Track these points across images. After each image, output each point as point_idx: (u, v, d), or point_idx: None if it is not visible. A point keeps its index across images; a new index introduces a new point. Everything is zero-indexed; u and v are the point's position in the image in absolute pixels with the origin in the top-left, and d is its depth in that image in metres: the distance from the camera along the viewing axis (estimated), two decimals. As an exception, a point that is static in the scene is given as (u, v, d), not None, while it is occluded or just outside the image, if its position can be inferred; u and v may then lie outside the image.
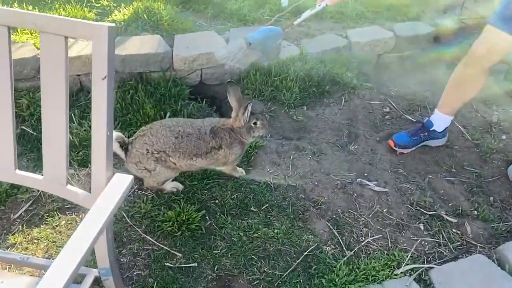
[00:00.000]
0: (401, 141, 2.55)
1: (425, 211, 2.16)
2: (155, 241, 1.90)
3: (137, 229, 1.95)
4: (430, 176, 2.40)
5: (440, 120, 2.53)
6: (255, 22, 3.38)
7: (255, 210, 2.09)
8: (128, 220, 1.98)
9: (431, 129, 2.55)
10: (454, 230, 2.08)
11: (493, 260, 1.88)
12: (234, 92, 2.04)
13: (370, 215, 2.11)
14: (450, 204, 2.24)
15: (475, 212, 2.20)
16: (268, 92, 2.85)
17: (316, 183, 2.27)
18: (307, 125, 2.74)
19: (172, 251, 1.86)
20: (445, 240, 2.02)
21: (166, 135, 1.97)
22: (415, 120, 2.88)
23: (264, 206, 2.10)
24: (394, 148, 2.54)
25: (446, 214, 2.15)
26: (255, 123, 2.11)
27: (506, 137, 2.80)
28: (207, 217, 2.03)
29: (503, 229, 2.12)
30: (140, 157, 1.97)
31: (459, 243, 2.03)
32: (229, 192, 2.16)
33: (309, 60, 3.05)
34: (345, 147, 2.58)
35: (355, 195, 2.21)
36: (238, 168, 2.26)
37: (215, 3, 3.53)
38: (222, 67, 2.88)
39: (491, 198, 2.31)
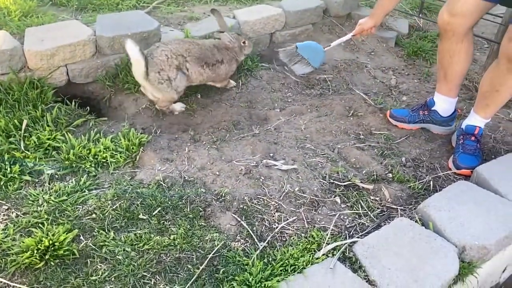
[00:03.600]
0: (397, 112, 2.42)
1: (339, 183, 1.95)
2: (8, 282, 1.42)
3: (-20, 271, 1.45)
4: (339, 146, 2.22)
5: (441, 101, 2.32)
6: (129, 10, 2.98)
7: (144, 217, 1.69)
8: (-33, 262, 1.46)
9: (432, 109, 2.34)
10: (372, 198, 1.90)
11: (416, 221, 1.72)
12: (218, 19, 2.48)
13: (281, 197, 1.84)
14: (364, 172, 2.06)
15: (390, 175, 2.05)
16: (153, 83, 2.47)
17: (217, 173, 1.95)
18: (203, 113, 2.42)
19: (32, 290, 1.40)
20: (365, 210, 1.82)
21: (179, 43, 2.27)
22: (317, 94, 2.71)
23: (156, 211, 1.72)
24: (388, 118, 2.44)
25: (361, 182, 1.96)
26: (244, 43, 2.54)
27: (406, 98, 2.75)
28: (81, 237, 1.59)
29: (419, 187, 1.99)
30: (162, 64, 2.16)
31: (379, 210, 1.84)
32: (109, 202, 1.74)
33: (196, 44, 2.74)
34: (247, 130, 2.30)
35: (262, 178, 1.93)
36: (230, 80, 2.63)
37: (81, -5, 3.06)
38: (92, 60, 2.44)
39: (403, 159, 2.18)
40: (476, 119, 2.17)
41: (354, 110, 2.53)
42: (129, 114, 2.41)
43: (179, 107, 2.39)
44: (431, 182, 2.03)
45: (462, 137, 2.18)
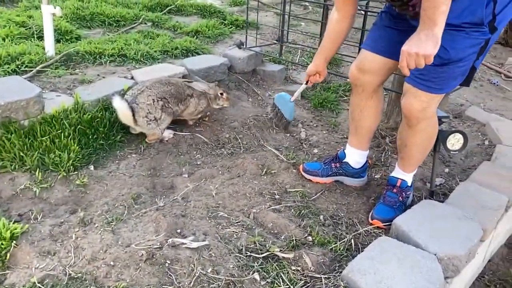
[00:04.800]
0: (310, 166, 2.35)
1: (257, 255, 1.74)
2: None
3: None
4: (255, 211, 2.03)
5: (352, 153, 2.28)
6: (7, 75, 2.62)
7: (11, 339, 1.30)
8: None
9: (343, 161, 2.30)
10: (293, 268, 1.71)
11: (342, 290, 1.56)
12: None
13: (192, 284, 1.57)
14: (283, 237, 1.89)
15: (310, 238, 1.90)
16: (34, 157, 2.11)
17: (112, 263, 1.62)
18: (97, 188, 2.09)
19: None
20: (287, 284, 1.62)
21: (160, 86, 2.48)
22: (228, 153, 2.54)
23: (29, 326, 1.34)
24: (302, 173, 2.36)
25: (280, 251, 1.78)
26: (221, 94, 2.75)
27: (317, 150, 2.71)
28: None
29: (341, 248, 1.85)
30: (148, 108, 2.39)
31: (303, 282, 1.65)
32: (-38, 324, 1.32)
33: (89, 110, 2.45)
34: (149, 203, 2.02)
35: (168, 262, 1.65)
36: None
37: None
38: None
39: (321, 217, 2.06)
40: (397, 172, 2.15)
41: (267, 167, 2.40)
42: (4, 197, 1.99)
43: (167, 133, 2.57)
44: (352, 240, 1.92)
45: (385, 188, 2.15)
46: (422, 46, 1.49)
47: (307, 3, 6.13)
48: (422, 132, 1.91)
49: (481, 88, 4.43)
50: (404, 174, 2.11)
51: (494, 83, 4.60)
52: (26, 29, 3.44)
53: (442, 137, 2.11)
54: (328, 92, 3.51)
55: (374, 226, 2.02)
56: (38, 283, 1.50)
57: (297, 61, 3.94)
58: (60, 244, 1.70)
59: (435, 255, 1.73)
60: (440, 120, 2.17)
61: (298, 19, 5.43)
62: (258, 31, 4.20)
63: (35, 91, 2.28)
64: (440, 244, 1.78)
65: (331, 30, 2.09)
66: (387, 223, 2.00)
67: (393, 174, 2.15)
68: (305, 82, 2.46)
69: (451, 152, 2.12)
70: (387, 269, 1.64)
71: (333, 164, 2.32)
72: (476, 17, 1.63)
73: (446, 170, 2.65)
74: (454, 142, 2.12)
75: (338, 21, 2.03)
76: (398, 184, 2.11)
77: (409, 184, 2.13)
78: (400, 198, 2.09)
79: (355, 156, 2.28)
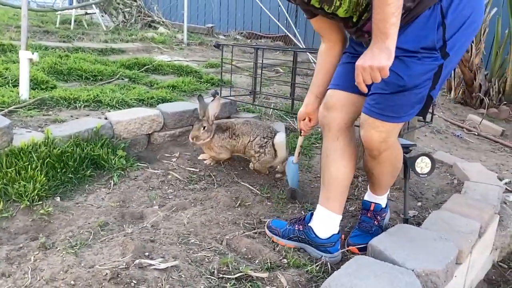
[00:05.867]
0: (274, 223, 2.04)
1: (230, 276, 1.65)
2: None
3: None
4: (228, 237, 1.96)
5: (319, 214, 1.91)
6: (-22, 113, 2.59)
7: None
8: None
9: (307, 225, 1.92)
10: (268, 288, 1.62)
11: (319, 306, 1.47)
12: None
13: (159, 302, 1.46)
14: (257, 261, 1.81)
15: (285, 260, 1.83)
16: (-3, 187, 2.02)
17: (72, 282, 1.50)
18: (62, 218, 1.99)
19: None
20: (262, 303, 1.53)
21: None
22: (201, 188, 2.50)
23: None
24: (265, 229, 2.06)
25: (254, 271, 1.69)
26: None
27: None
28: None
29: (317, 269, 1.79)
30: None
31: (278, 300, 1.56)
32: None
33: (59, 145, 2.42)
34: (117, 230, 1.93)
35: (134, 282, 1.54)
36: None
37: None
38: None
39: (296, 244, 2.00)
40: (369, 195, 2.12)
41: (241, 200, 2.36)
42: (-42, 227, 1.87)
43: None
44: (329, 264, 1.85)
45: (360, 212, 2.12)
46: (376, 59, 1.47)
47: (279, 68, 6.49)
48: (386, 162, 1.88)
49: (446, 140, 4.64)
50: (376, 197, 2.11)
51: (458, 136, 4.84)
52: (1, 78, 3.48)
53: (410, 162, 2.16)
54: (301, 139, 3.59)
55: (350, 250, 1.97)
56: (-13, 303, 1.36)
57: (270, 112, 4.08)
58: (17, 266, 1.57)
59: (413, 270, 1.69)
60: (408, 148, 2.25)
61: (271, 80, 5.72)
62: (232, 88, 4.37)
63: (4, 122, 2.25)
64: (417, 261, 1.74)
65: (321, 63, 1.97)
66: (363, 249, 1.94)
67: (366, 198, 2.14)
68: (299, 134, 2.27)
69: (421, 176, 2.16)
70: (365, 284, 1.57)
71: (297, 226, 1.97)
72: (429, 40, 1.64)
73: (419, 204, 2.67)
74: (423, 166, 2.17)
75: (329, 49, 1.93)
76: (371, 208, 2.10)
77: (384, 206, 2.12)
78: (375, 222, 2.07)
79: (322, 218, 1.91)
